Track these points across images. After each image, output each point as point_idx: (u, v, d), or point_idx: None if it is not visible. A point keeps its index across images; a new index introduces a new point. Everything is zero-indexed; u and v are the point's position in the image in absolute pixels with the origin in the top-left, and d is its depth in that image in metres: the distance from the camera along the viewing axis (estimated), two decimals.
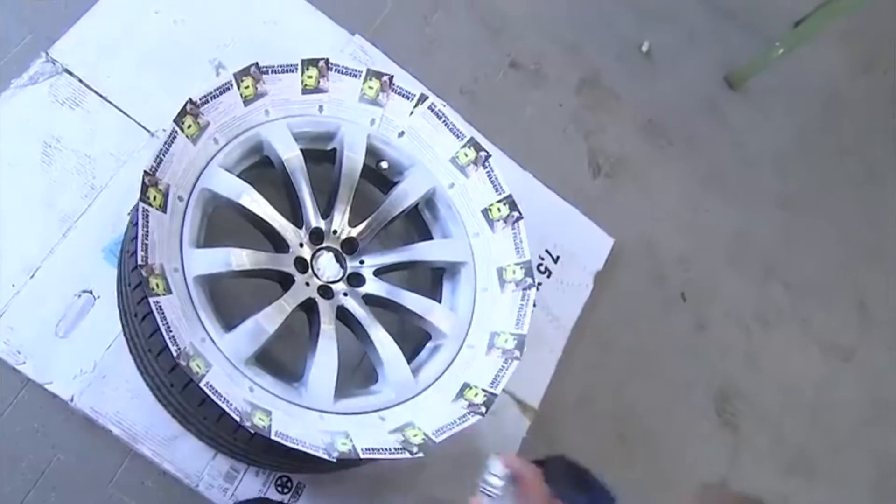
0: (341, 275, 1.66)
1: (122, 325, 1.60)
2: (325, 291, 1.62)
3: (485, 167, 1.76)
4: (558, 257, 2.19)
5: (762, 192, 2.65)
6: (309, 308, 1.60)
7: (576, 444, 2.03)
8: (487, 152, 1.76)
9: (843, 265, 2.69)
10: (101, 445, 1.59)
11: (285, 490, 1.70)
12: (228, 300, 1.60)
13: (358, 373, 1.77)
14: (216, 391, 1.36)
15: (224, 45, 1.92)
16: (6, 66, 1.74)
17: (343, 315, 1.62)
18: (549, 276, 2.16)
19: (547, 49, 2.46)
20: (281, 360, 1.65)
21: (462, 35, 2.34)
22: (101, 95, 1.79)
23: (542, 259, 2.17)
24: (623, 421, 2.16)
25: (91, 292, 1.65)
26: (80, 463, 1.58)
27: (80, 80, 1.78)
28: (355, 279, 1.67)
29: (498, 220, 1.75)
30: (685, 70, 2.69)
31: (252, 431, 1.39)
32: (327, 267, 1.64)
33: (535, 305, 2.08)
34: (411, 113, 1.75)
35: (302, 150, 1.65)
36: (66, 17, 1.82)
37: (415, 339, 1.72)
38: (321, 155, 1.71)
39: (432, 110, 1.76)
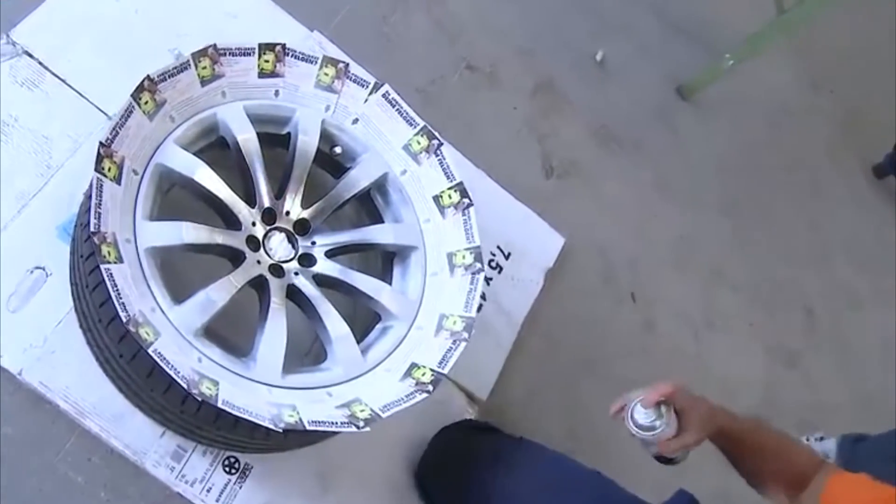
0: (293, 255, 1.69)
1: (74, 300, 1.61)
2: (276, 270, 1.65)
3: (437, 155, 1.81)
4: (510, 254, 2.23)
5: (708, 199, 2.74)
6: (260, 286, 1.62)
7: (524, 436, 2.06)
8: (440, 140, 1.81)
9: (788, 271, 2.77)
10: (48, 420, 1.59)
11: (233, 470, 1.70)
12: (180, 277, 1.61)
13: (310, 357, 1.80)
14: (164, 358, 1.38)
15: (184, 35, 1.94)
16: None
17: (294, 294, 1.65)
18: (500, 272, 2.21)
19: (503, 54, 2.53)
20: (233, 342, 1.66)
21: (419, 37, 2.40)
22: (59, 78, 1.81)
23: (494, 255, 2.21)
24: (572, 416, 2.20)
25: (44, 269, 1.66)
26: (27, 437, 1.57)
27: (40, 63, 1.80)
28: (306, 259, 1.70)
29: (449, 207, 1.79)
30: (638, 79, 2.78)
31: (199, 400, 1.41)
32: (279, 247, 1.67)
33: (484, 299, 2.16)
34: (366, 100, 1.80)
35: (257, 133, 1.69)
36: (29, 1, 1.85)
37: (366, 321, 1.75)
38: (276, 139, 1.74)
39: (386, 98, 1.80)
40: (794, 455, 1.50)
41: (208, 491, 1.67)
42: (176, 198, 1.64)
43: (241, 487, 1.70)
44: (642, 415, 1.44)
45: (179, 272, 1.62)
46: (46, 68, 1.81)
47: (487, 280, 2.18)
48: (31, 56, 1.80)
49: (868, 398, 2.68)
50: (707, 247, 2.65)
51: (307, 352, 1.81)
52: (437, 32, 2.44)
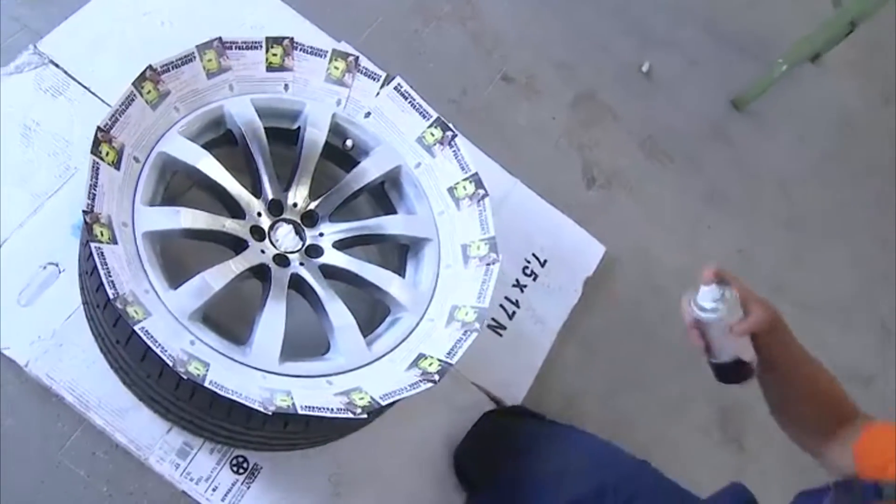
0: (300, 246, 1.65)
1: (80, 290, 1.61)
2: (281, 260, 1.61)
3: (451, 146, 1.76)
4: (545, 261, 2.14)
5: (768, 213, 2.59)
6: (262, 275, 1.58)
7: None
8: (454, 131, 1.76)
9: (858, 288, 2.57)
10: (53, 413, 1.58)
11: (241, 470, 1.65)
12: (182, 267, 1.59)
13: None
14: (151, 336, 1.35)
15: None
16: None
17: (298, 284, 1.60)
18: (534, 279, 2.12)
19: (541, 66, 2.48)
20: (236, 332, 1.62)
21: (452, 50, 2.38)
22: (84, 86, 1.85)
23: (528, 262, 2.13)
24: (612, 427, 2.05)
25: (57, 265, 1.67)
26: (31, 429, 1.56)
27: (65, 72, 1.85)
28: (313, 250, 1.66)
29: (464, 198, 1.73)
30: (687, 91, 2.68)
31: (191, 386, 1.37)
32: (285, 237, 1.64)
33: (518, 307, 2.07)
34: (377, 94, 1.77)
35: (267, 128, 1.67)
36: (58, 15, 1.91)
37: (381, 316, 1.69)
38: (287, 134, 1.73)
39: (399, 91, 1.77)
40: (841, 398, 1.38)
41: (214, 490, 1.62)
42: (180, 188, 1.64)
43: (248, 488, 1.64)
44: (705, 294, 1.33)
45: (182, 258, 1.60)
46: (72, 77, 1.85)
47: (521, 287, 2.09)
48: (56, 65, 1.85)
49: None
50: (767, 261, 2.50)
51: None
52: (471, 45, 2.41)
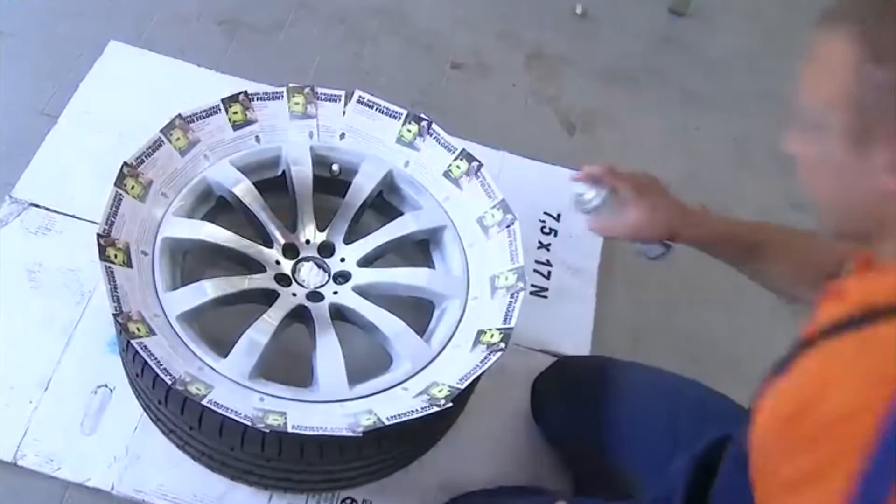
0: (326, 278, 1.65)
1: (137, 397, 1.61)
2: (315, 296, 1.61)
3: (430, 135, 1.76)
4: (559, 215, 2.14)
5: (746, 93, 2.58)
6: (302, 317, 1.58)
7: None
8: (428, 119, 1.77)
9: None
10: None
11: None
12: (223, 339, 1.59)
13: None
14: (222, 406, 1.34)
15: None
16: None
17: (339, 313, 1.60)
18: (555, 235, 2.11)
19: (483, 43, 2.50)
20: (298, 378, 1.61)
21: (396, 60, 2.40)
22: (68, 215, 1.87)
23: (543, 221, 2.13)
24: (688, 344, 2.04)
25: (106, 385, 1.67)
26: None
27: (47, 209, 1.87)
28: (341, 277, 1.66)
29: (460, 177, 1.74)
30: (625, 16, 2.69)
31: (278, 444, 1.37)
32: (310, 275, 1.64)
33: (550, 265, 2.07)
34: (344, 113, 1.78)
35: (254, 182, 1.68)
36: (20, 161, 1.93)
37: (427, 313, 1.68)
38: (275, 182, 1.74)
39: (362, 102, 1.79)
40: (819, 247, 1.26)
41: None
42: (196, 264, 1.65)
43: None
44: (573, 195, 1.43)
45: (221, 328, 1.59)
46: (54, 211, 1.87)
47: (546, 247, 2.09)
48: (37, 206, 1.87)
49: None
50: (766, 137, 2.48)
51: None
52: (411, 48, 2.44)
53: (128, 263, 1.50)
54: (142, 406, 1.61)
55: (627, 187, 1.37)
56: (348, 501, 1.64)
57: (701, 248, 1.41)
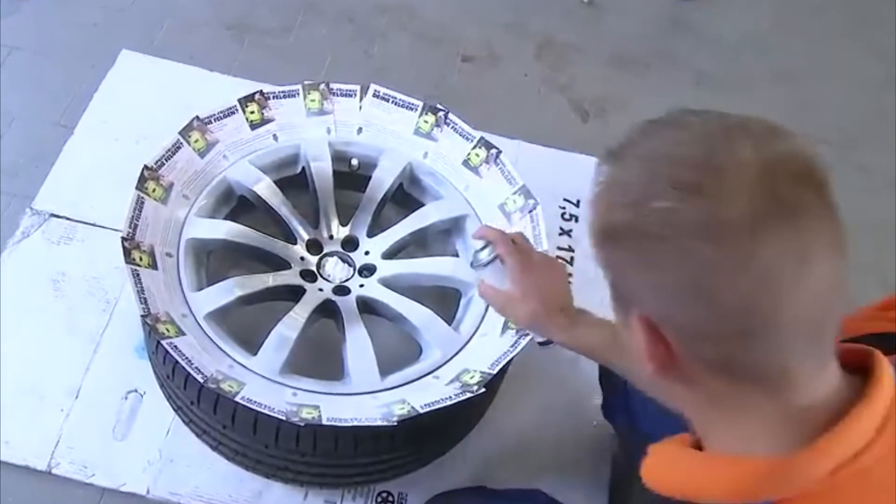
0: (351, 272, 1.65)
1: (168, 400, 1.60)
2: (341, 290, 1.61)
3: (447, 124, 1.76)
4: (578, 200, 2.13)
5: (756, 75, 2.57)
6: (330, 311, 1.58)
7: None
8: (445, 109, 1.77)
9: (859, 118, 2.54)
10: None
11: None
12: (253, 338, 1.58)
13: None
14: (254, 402, 1.33)
15: None
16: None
17: (367, 306, 1.60)
18: (576, 221, 2.11)
19: (492, 35, 2.50)
20: (332, 373, 1.61)
21: (407, 55, 2.40)
22: (89, 223, 1.87)
23: (563, 208, 2.12)
24: None
25: (136, 390, 1.67)
26: None
27: (68, 218, 1.87)
28: (366, 270, 1.65)
29: (480, 165, 1.73)
30: (631, 1, 2.68)
31: (313, 439, 1.37)
32: (335, 269, 1.64)
33: (573, 251, 2.06)
34: (360, 108, 1.78)
35: (274, 180, 1.68)
36: (38, 174, 1.94)
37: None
38: (295, 180, 1.74)
39: (377, 96, 1.78)
40: None
41: None
42: (221, 264, 1.65)
43: None
44: (471, 251, 1.44)
45: (249, 326, 1.59)
46: (75, 220, 1.87)
47: (568, 233, 2.08)
48: (57, 216, 1.87)
49: None
50: (778, 118, 2.46)
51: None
52: (422, 44, 2.44)
53: (153, 265, 1.50)
54: (173, 409, 1.61)
55: (513, 262, 1.34)
56: (385, 494, 1.64)
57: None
